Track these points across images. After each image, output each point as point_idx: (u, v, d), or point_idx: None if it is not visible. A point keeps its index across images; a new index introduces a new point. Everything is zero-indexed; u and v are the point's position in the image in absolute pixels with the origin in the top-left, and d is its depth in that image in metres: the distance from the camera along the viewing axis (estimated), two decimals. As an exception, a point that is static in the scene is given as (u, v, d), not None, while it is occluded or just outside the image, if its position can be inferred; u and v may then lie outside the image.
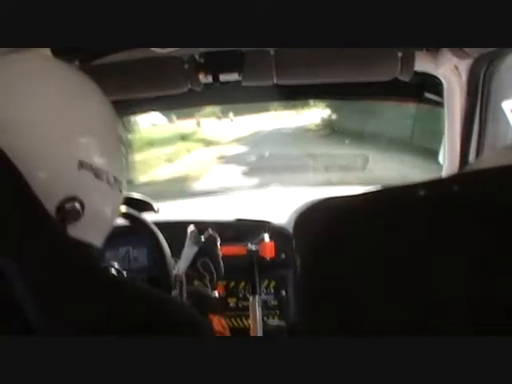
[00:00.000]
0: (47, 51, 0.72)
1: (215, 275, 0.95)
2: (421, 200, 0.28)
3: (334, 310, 0.31)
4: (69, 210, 0.50)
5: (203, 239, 0.99)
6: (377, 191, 0.33)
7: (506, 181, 0.27)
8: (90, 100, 0.56)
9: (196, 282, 0.89)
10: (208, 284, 0.90)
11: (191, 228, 1.01)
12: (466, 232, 0.26)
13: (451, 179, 0.28)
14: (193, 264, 0.92)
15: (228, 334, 0.83)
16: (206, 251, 0.96)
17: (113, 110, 0.60)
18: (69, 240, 0.49)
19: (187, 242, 0.98)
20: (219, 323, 0.81)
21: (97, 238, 0.57)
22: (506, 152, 0.42)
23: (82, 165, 0.51)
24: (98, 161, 0.54)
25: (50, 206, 0.48)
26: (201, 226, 1.26)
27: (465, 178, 0.28)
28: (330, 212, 0.32)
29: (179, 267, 0.95)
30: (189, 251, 0.95)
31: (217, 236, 1.01)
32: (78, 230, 0.52)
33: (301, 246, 0.35)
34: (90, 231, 0.55)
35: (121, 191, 0.59)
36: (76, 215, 0.51)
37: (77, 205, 0.51)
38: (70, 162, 0.51)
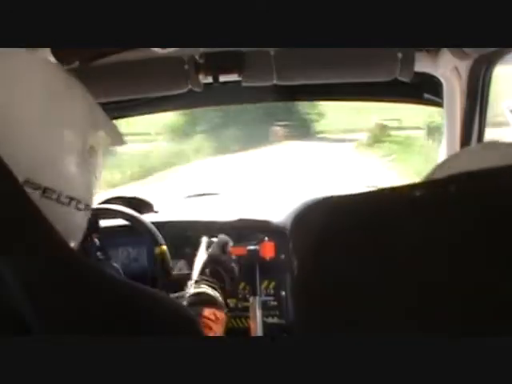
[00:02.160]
0: (47, 51, 0.72)
1: (227, 281, 0.92)
2: (418, 200, 0.28)
3: (332, 311, 0.31)
4: None
5: (213, 246, 0.96)
6: (374, 191, 0.33)
7: (504, 181, 0.27)
8: (53, 109, 0.52)
9: (204, 286, 0.87)
10: (218, 289, 0.88)
11: (205, 239, 0.99)
12: (462, 232, 0.26)
13: (448, 180, 0.28)
14: (202, 272, 0.90)
15: (220, 326, 0.81)
16: (214, 258, 0.93)
17: (90, 117, 0.57)
18: (63, 241, 0.49)
19: (200, 251, 0.96)
20: (212, 313, 0.80)
21: None
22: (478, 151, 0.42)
23: (26, 183, 0.49)
24: (47, 179, 0.51)
25: None
26: (201, 226, 1.25)
27: (461, 179, 0.28)
28: (328, 213, 0.32)
29: (180, 267, 0.94)
30: (199, 259, 0.93)
31: (228, 241, 0.98)
32: None
33: (298, 247, 0.35)
34: None
35: (80, 209, 0.55)
36: None
37: None
38: None
